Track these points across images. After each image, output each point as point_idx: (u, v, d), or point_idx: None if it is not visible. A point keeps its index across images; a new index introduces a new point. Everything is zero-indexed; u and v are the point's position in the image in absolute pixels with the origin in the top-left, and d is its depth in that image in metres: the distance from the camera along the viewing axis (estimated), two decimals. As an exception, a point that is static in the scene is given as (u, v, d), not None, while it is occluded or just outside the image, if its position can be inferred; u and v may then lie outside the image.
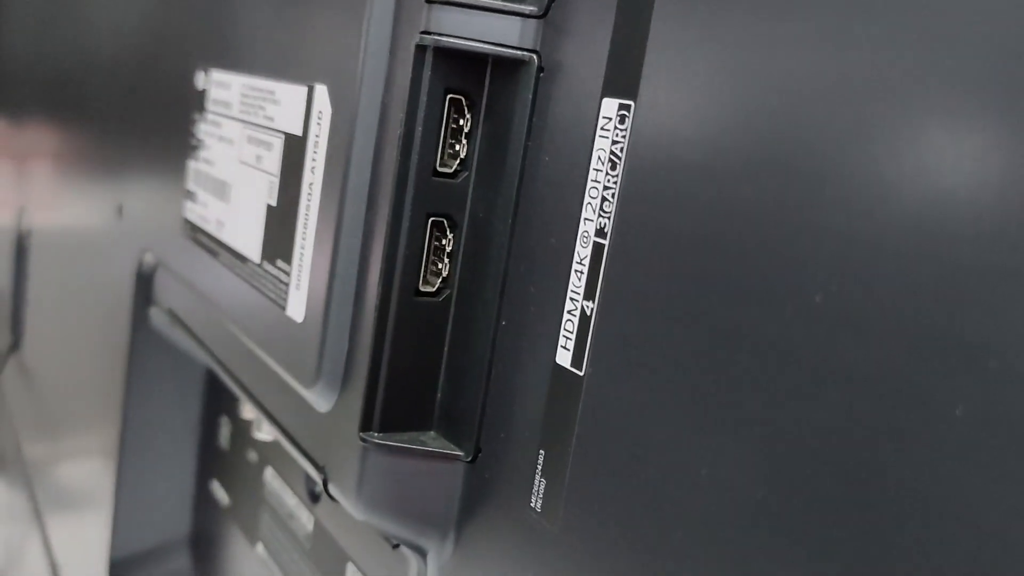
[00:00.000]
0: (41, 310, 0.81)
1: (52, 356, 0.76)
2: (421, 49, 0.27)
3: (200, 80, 0.43)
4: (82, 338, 0.64)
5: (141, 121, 0.53)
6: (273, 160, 0.35)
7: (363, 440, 0.29)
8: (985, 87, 0.16)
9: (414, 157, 0.28)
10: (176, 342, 0.49)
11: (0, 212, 0.98)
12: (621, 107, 0.24)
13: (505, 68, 0.28)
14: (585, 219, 0.25)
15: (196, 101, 0.43)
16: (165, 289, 0.49)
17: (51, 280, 0.77)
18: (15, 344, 0.88)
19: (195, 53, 0.44)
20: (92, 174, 0.63)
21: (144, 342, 0.52)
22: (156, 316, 0.50)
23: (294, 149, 0.33)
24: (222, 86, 0.40)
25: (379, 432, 0.29)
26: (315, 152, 0.31)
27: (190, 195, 0.44)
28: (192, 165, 0.43)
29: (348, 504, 0.30)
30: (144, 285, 0.51)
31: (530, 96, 0.27)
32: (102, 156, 0.60)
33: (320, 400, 0.31)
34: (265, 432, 0.43)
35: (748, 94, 0.20)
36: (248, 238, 0.36)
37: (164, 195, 0.48)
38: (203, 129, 0.42)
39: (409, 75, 0.28)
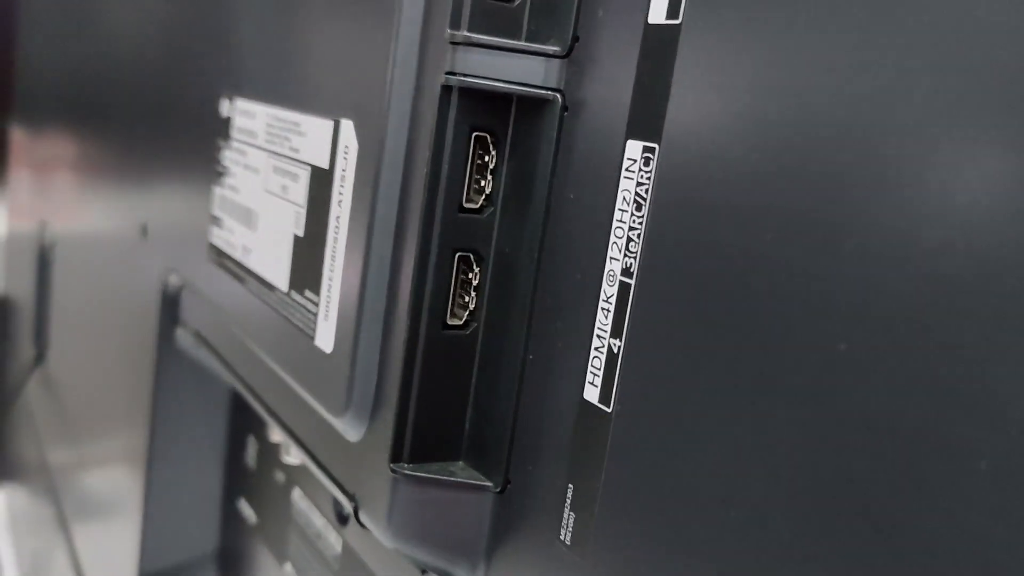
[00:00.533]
0: (65, 323, 0.81)
1: (77, 370, 0.77)
2: (447, 89, 0.28)
3: (225, 108, 0.43)
4: (107, 353, 0.65)
5: (165, 141, 0.54)
6: (299, 191, 0.35)
7: (393, 471, 0.29)
8: None
9: (440, 193, 0.28)
10: (202, 362, 0.50)
11: (22, 222, 0.99)
12: (646, 149, 0.24)
13: (530, 107, 0.28)
14: (611, 258, 0.25)
15: (221, 128, 0.44)
16: (191, 310, 0.49)
17: (75, 293, 0.78)
18: (40, 356, 0.89)
19: (220, 80, 0.45)
20: (116, 190, 0.64)
21: (170, 361, 0.52)
22: (182, 336, 0.51)
23: (321, 181, 0.33)
24: (247, 115, 0.41)
25: (409, 463, 0.30)
26: (342, 185, 0.32)
27: (216, 220, 0.44)
28: (217, 191, 0.44)
29: (379, 532, 0.31)
30: (170, 305, 0.51)
31: (555, 134, 0.28)
32: (126, 173, 0.61)
33: (349, 429, 0.32)
34: (293, 456, 0.44)
35: (773, 137, 0.21)
36: (275, 267, 0.37)
37: (189, 218, 0.48)
38: (228, 156, 0.43)
39: (435, 114, 0.28)
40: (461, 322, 0.29)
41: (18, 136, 1.07)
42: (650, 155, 0.24)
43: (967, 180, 0.17)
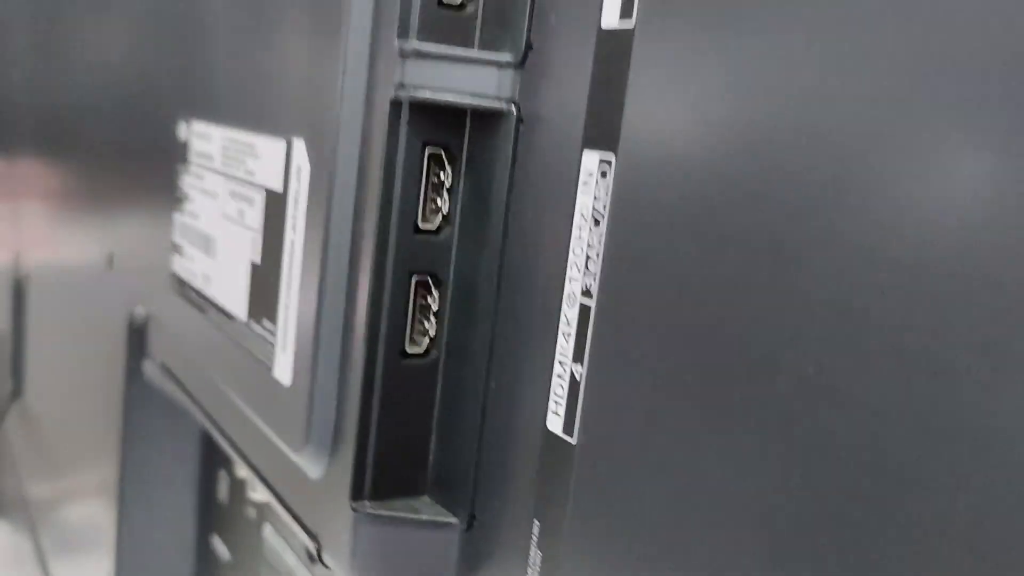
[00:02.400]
0: (41, 356, 0.80)
1: (53, 403, 0.75)
2: (396, 104, 0.26)
3: (183, 131, 0.42)
4: (80, 387, 0.63)
5: (128, 168, 0.52)
6: (255, 216, 0.34)
7: (354, 509, 0.28)
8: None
9: (394, 214, 0.27)
10: (170, 395, 0.48)
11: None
12: (602, 161, 0.23)
13: (484, 120, 0.27)
14: (570, 278, 0.24)
15: (179, 152, 0.42)
16: (157, 342, 0.48)
17: (49, 326, 0.76)
18: (17, 390, 0.88)
19: (177, 102, 0.43)
20: (83, 220, 0.63)
21: (139, 394, 0.51)
22: (149, 369, 0.49)
23: (275, 206, 0.32)
24: (204, 138, 0.39)
25: (371, 500, 0.28)
26: (296, 209, 0.30)
27: (177, 248, 0.43)
28: (177, 217, 0.42)
29: (342, 573, 0.29)
30: (136, 337, 0.50)
31: (511, 148, 0.26)
32: (92, 202, 0.60)
33: (310, 465, 0.30)
34: (259, 493, 0.42)
35: (736, 146, 0.19)
36: (234, 295, 0.35)
37: (152, 246, 0.47)
38: (187, 181, 0.41)
39: (386, 130, 0.27)
40: (421, 350, 0.28)
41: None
42: (607, 167, 0.23)
43: (940, 199, 0.16)
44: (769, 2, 0.19)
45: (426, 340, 0.28)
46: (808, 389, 0.18)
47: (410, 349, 0.28)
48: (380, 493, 0.28)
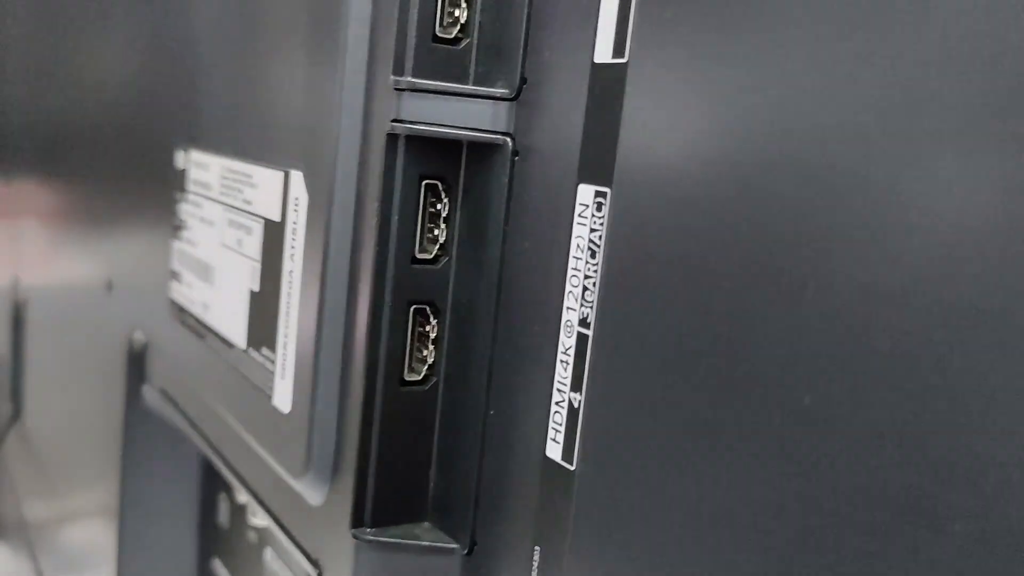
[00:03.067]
0: (40, 379, 0.80)
1: (52, 427, 0.75)
2: (393, 138, 0.27)
3: (180, 159, 0.42)
4: (80, 410, 0.63)
5: (127, 194, 0.52)
6: (254, 245, 0.34)
7: (355, 536, 0.28)
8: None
9: (392, 244, 0.27)
10: (170, 420, 0.49)
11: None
12: (597, 194, 0.23)
13: (480, 152, 0.27)
14: (568, 308, 0.24)
15: (177, 180, 0.43)
16: (157, 367, 0.48)
17: (48, 350, 0.76)
18: (16, 413, 0.88)
19: (175, 130, 0.44)
20: (83, 243, 0.63)
21: (138, 418, 0.51)
22: (149, 394, 0.49)
23: (273, 235, 0.32)
24: (201, 167, 0.40)
25: (371, 527, 0.28)
26: (294, 239, 0.31)
27: (175, 275, 0.43)
28: (176, 245, 0.43)
29: (344, 601, 0.29)
30: (136, 362, 0.50)
31: (506, 180, 0.27)
32: (91, 225, 0.60)
33: (310, 492, 0.30)
34: (260, 518, 0.43)
35: (725, 179, 0.20)
36: (233, 323, 0.36)
37: (150, 272, 0.47)
38: (185, 209, 0.42)
39: (383, 162, 0.27)
40: (420, 377, 0.28)
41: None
42: (602, 199, 0.23)
43: (933, 229, 0.16)
44: (756, 39, 0.19)
45: (425, 367, 0.28)
46: (804, 416, 0.18)
47: (409, 377, 0.28)
48: (381, 519, 0.28)
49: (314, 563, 0.31)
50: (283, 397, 0.31)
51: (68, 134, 0.68)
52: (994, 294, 0.15)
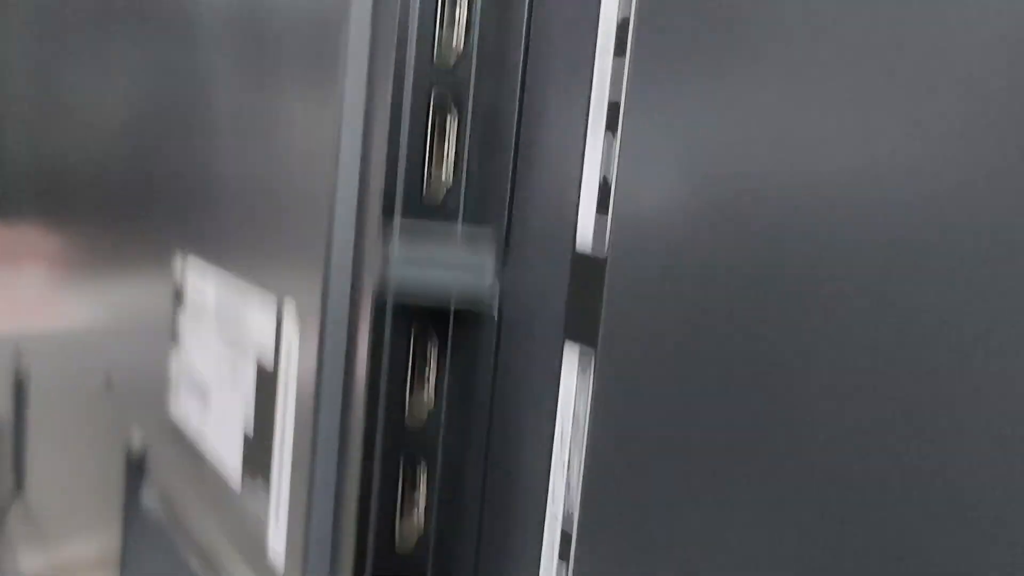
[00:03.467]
0: (41, 454, 0.80)
1: (53, 504, 0.75)
2: (381, 305, 0.27)
3: (178, 268, 0.43)
4: (79, 499, 0.63)
5: (124, 291, 0.53)
6: (248, 384, 0.34)
7: None
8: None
9: (380, 409, 0.28)
10: (171, 523, 0.49)
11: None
12: (583, 353, 0.24)
13: (466, 317, 0.27)
14: (552, 499, 0.25)
15: (176, 287, 0.43)
16: (156, 470, 0.48)
17: (48, 427, 0.77)
18: (19, 485, 0.88)
19: (174, 232, 0.44)
20: (82, 334, 0.63)
21: (137, 520, 0.51)
22: (148, 498, 0.49)
23: (267, 383, 0.33)
24: (200, 279, 0.40)
25: None
26: (287, 390, 0.31)
27: (173, 386, 0.43)
28: (174, 355, 0.43)
29: None
30: (136, 463, 0.50)
31: (493, 345, 0.27)
32: (89, 318, 0.61)
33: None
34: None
35: (712, 346, 0.20)
36: (228, 460, 0.36)
37: (148, 377, 0.47)
38: (182, 323, 0.42)
39: (370, 324, 0.27)
40: (411, 543, 0.28)
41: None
42: (587, 360, 0.23)
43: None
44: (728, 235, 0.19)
45: (415, 531, 0.28)
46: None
47: (398, 541, 0.28)
48: None
49: None
50: (278, 541, 0.32)
51: (70, 184, 0.69)
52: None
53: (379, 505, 0.28)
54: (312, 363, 0.29)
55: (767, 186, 0.19)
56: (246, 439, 0.34)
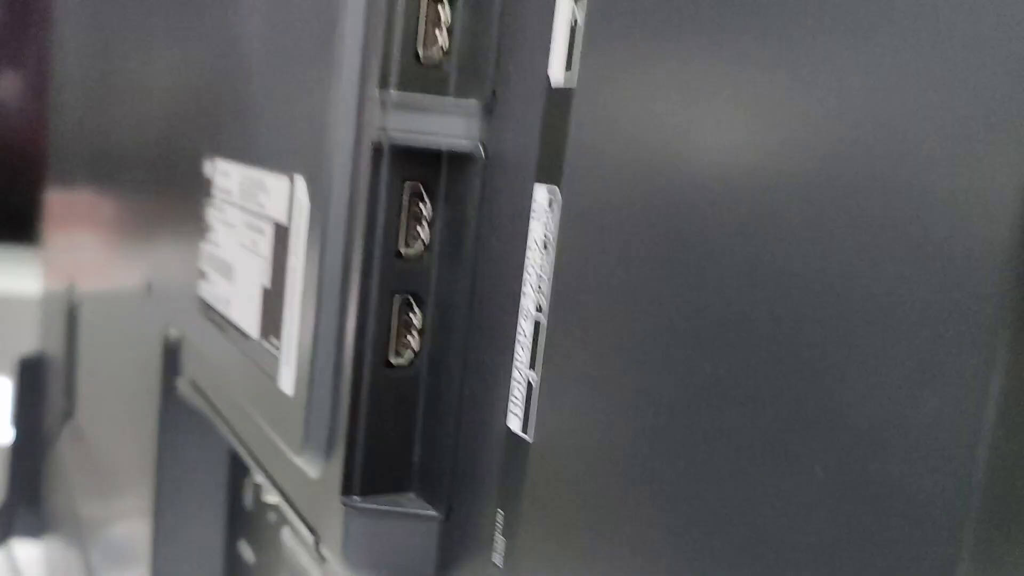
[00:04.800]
0: (92, 379, 0.85)
1: (102, 423, 0.80)
2: (378, 148, 0.30)
3: (208, 168, 0.46)
4: (122, 406, 0.68)
5: (165, 201, 0.57)
6: (266, 246, 0.38)
7: (345, 504, 0.31)
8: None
9: (377, 243, 0.31)
10: (200, 410, 0.52)
11: (56, 282, 1.03)
12: (550, 192, 0.26)
13: (457, 160, 0.30)
14: (525, 295, 0.27)
15: (205, 187, 0.47)
16: (188, 361, 0.52)
17: (98, 349, 0.81)
18: (70, 411, 0.93)
19: (204, 141, 0.47)
20: (129, 250, 0.68)
21: (172, 411, 0.55)
22: (182, 386, 0.53)
23: (281, 237, 0.36)
24: (225, 175, 0.43)
25: (360, 496, 0.31)
26: (297, 240, 0.34)
27: (203, 274, 0.47)
28: (203, 247, 0.47)
29: (336, 562, 0.32)
30: (171, 357, 0.54)
31: (479, 184, 0.30)
32: (135, 233, 0.65)
33: (309, 467, 0.34)
34: (271, 497, 0.46)
35: (660, 183, 0.23)
36: (248, 316, 0.39)
37: (183, 274, 0.51)
38: (211, 214, 0.46)
39: (370, 170, 0.30)
40: (405, 362, 0.31)
41: (51, 198, 1.11)
42: (552, 197, 0.26)
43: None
44: (691, 63, 0.22)
45: (409, 352, 0.31)
46: (732, 399, 0.21)
47: (395, 361, 0.31)
48: (369, 489, 0.31)
49: (312, 531, 0.34)
50: (287, 381, 0.35)
51: (121, 147, 0.73)
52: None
53: (376, 330, 0.31)
54: (319, 213, 0.32)
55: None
56: (264, 292, 0.37)
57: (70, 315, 0.92)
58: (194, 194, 0.49)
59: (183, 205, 0.53)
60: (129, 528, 0.66)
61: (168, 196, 0.56)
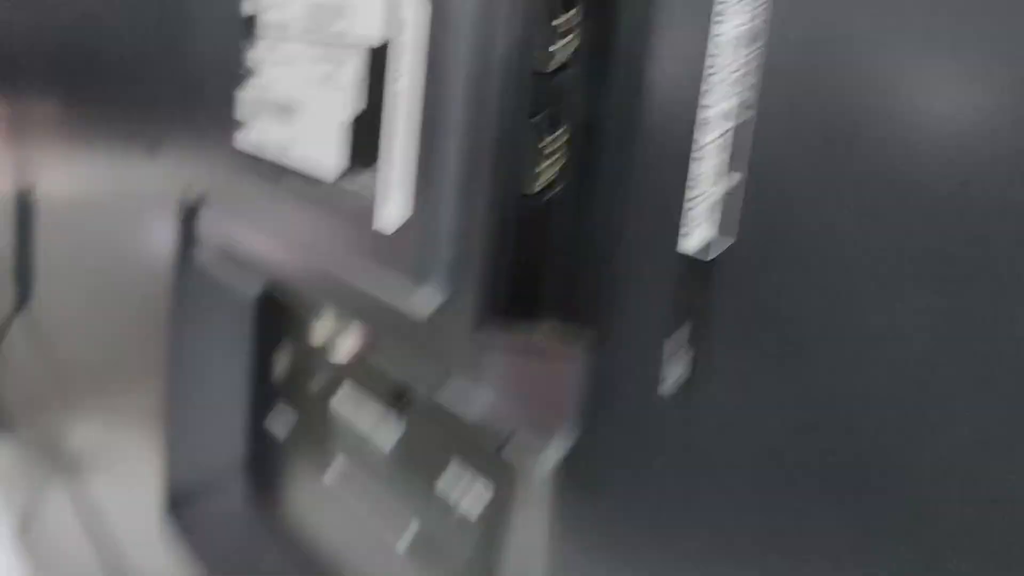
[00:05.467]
0: (54, 269, 0.80)
1: (70, 310, 0.75)
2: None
3: (247, 5, 0.42)
4: (112, 287, 0.63)
5: (175, 59, 0.52)
6: (348, 75, 0.34)
7: (478, 339, 0.29)
8: None
9: (515, 56, 0.28)
10: (225, 278, 0.49)
11: (5, 188, 0.96)
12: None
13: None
14: (712, 100, 0.25)
15: (242, 28, 0.43)
16: (212, 225, 0.48)
17: (64, 233, 0.76)
18: (22, 301, 0.87)
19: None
20: (119, 117, 0.63)
21: (188, 281, 0.51)
22: (202, 253, 0.50)
23: (377, 60, 0.33)
24: (280, 6, 0.39)
25: (495, 327, 0.29)
26: (402, 60, 0.31)
27: (239, 125, 0.43)
28: (243, 95, 0.43)
29: (463, 407, 0.30)
30: (187, 223, 0.50)
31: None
32: (132, 99, 0.60)
33: (423, 304, 0.31)
34: (341, 354, 0.44)
35: None
36: (321, 157, 0.36)
37: (204, 131, 0.47)
38: (255, 56, 0.42)
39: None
40: (543, 185, 0.29)
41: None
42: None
43: None
44: None
45: (548, 175, 0.29)
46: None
47: (532, 184, 0.29)
48: (504, 322, 0.29)
49: (425, 375, 0.32)
50: (392, 213, 0.32)
51: (89, 33, 0.67)
52: None
53: (511, 153, 0.28)
54: (440, 21, 0.29)
55: None
56: (352, 126, 0.34)
57: (21, 206, 0.86)
58: (216, 40, 0.45)
59: (204, 53, 0.49)
60: (128, 418, 0.62)
61: (179, 50, 0.52)
